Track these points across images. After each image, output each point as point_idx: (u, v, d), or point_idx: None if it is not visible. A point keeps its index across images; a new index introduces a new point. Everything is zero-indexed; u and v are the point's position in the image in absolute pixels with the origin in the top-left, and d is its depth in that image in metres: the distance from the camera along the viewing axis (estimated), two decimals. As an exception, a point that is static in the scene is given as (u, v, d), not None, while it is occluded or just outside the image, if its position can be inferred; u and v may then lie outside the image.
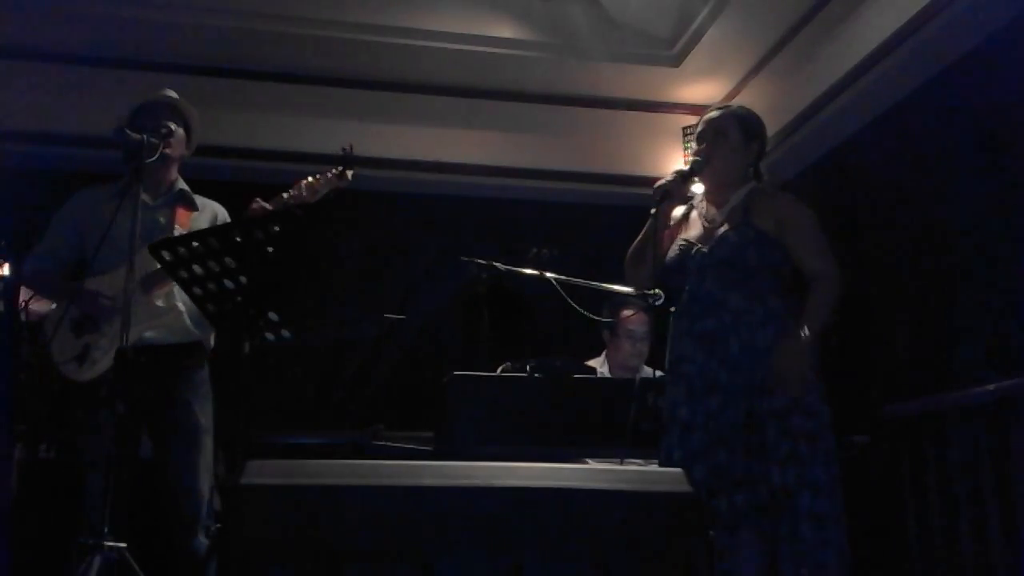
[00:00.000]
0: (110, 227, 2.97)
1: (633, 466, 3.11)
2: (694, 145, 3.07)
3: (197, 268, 2.54)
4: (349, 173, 3.34)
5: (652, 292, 3.06)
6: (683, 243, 2.96)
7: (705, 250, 2.88)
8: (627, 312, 4.05)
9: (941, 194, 4.19)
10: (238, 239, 2.51)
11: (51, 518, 3.56)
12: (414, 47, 4.96)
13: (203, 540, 3.08)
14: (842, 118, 4.71)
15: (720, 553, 2.70)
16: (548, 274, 3.43)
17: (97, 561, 2.55)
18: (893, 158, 4.53)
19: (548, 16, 5.03)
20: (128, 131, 3.02)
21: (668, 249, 3.00)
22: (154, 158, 3.03)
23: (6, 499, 3.47)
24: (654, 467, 2.92)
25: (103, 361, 3.05)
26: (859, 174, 4.81)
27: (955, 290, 4.04)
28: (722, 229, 2.90)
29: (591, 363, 4.12)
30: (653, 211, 2.92)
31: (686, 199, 3.04)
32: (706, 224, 2.97)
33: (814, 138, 4.94)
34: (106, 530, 2.59)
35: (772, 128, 4.70)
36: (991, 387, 3.55)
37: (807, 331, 2.75)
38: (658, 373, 3.70)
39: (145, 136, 3.01)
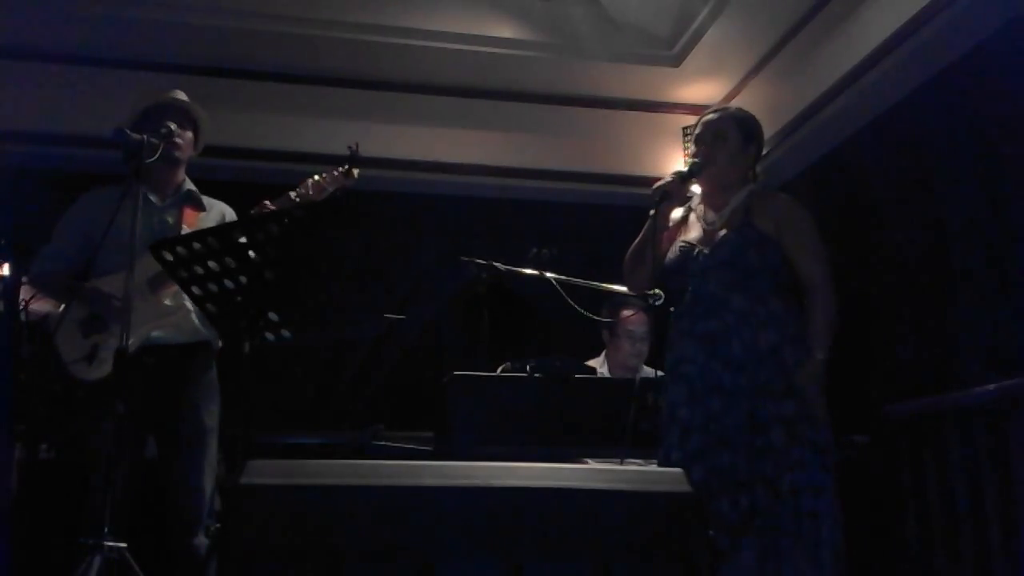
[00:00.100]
0: (109, 227, 2.97)
1: (633, 466, 3.11)
2: (692, 147, 3.08)
3: (197, 268, 2.54)
4: (355, 172, 3.38)
5: (652, 292, 3.06)
6: (683, 245, 2.96)
7: (706, 252, 2.89)
8: (627, 312, 4.05)
9: (941, 194, 4.19)
10: (238, 239, 2.51)
11: (51, 518, 3.56)
12: (414, 47, 4.96)
13: (203, 540, 3.08)
14: (842, 118, 4.71)
15: (721, 554, 2.70)
16: (548, 274, 3.43)
17: (97, 561, 2.55)
18: (893, 158, 4.52)
19: (548, 16, 5.04)
20: (128, 131, 3.02)
21: (666, 251, 3.00)
22: (154, 158, 3.02)
23: (6, 499, 3.47)
24: (654, 467, 2.92)
25: (111, 361, 3.05)
26: (859, 174, 4.81)
27: (955, 290, 4.04)
28: (723, 231, 2.91)
29: (591, 363, 4.12)
30: (652, 212, 2.92)
31: (685, 200, 3.05)
32: (706, 226, 2.97)
33: (814, 138, 4.94)
34: (106, 530, 2.59)
35: (772, 128, 4.74)
36: (991, 387, 3.55)
37: (819, 352, 2.78)
38: (658, 373, 3.71)
39: (145, 136, 3.01)
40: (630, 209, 3.14)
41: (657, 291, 3.05)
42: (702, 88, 5.30)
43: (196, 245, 2.51)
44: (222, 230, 2.55)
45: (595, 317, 3.48)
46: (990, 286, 3.84)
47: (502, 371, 3.39)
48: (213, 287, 2.57)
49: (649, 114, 5.51)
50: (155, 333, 3.17)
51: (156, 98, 3.35)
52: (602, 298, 3.72)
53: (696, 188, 3.10)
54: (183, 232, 3.17)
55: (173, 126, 3.16)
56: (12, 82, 4.78)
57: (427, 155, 5.32)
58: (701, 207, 3.04)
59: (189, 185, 3.41)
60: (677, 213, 3.08)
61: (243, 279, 2.54)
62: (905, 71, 4.26)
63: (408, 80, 5.19)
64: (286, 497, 1.85)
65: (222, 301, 2.59)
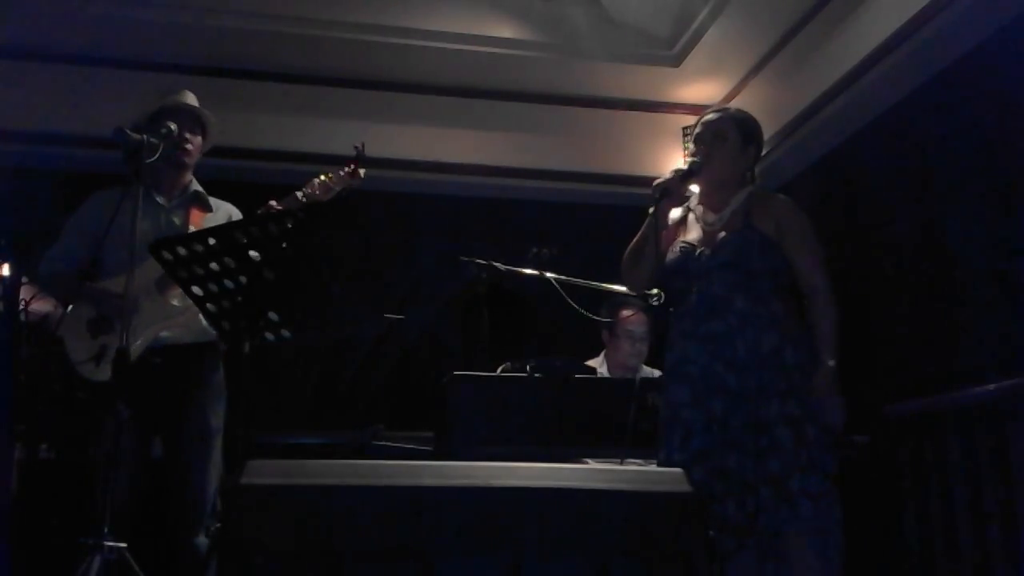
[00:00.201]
0: (110, 226, 2.98)
1: (633, 466, 3.11)
2: (692, 146, 3.08)
3: (197, 268, 2.54)
4: (362, 171, 3.39)
5: (652, 292, 3.06)
6: (684, 245, 2.96)
7: (708, 253, 2.88)
8: (626, 312, 4.05)
9: (941, 194, 4.19)
10: (238, 239, 2.51)
11: (51, 518, 3.56)
12: (414, 47, 4.96)
13: (204, 540, 3.09)
14: (842, 118, 4.71)
15: (726, 555, 2.70)
16: (548, 274, 3.43)
17: (97, 561, 2.55)
18: (893, 158, 4.52)
19: (548, 16, 5.04)
20: (128, 131, 3.02)
21: (665, 250, 3.00)
22: (154, 158, 3.03)
23: (6, 499, 3.47)
24: (654, 467, 2.92)
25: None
26: (859, 174, 4.81)
27: (955, 290, 4.04)
28: (723, 232, 2.91)
29: (591, 363, 4.12)
30: (652, 210, 2.92)
31: (684, 199, 3.04)
32: (705, 227, 2.97)
33: (814, 138, 4.94)
34: (106, 530, 2.59)
35: (772, 128, 4.74)
36: (991, 387, 3.55)
37: (829, 358, 2.80)
38: (656, 373, 3.71)
39: (145, 136, 3.01)
40: (630, 209, 3.14)
41: (657, 291, 3.05)
42: (702, 88, 5.30)
43: (196, 245, 2.51)
44: (222, 230, 2.55)
45: (595, 317, 3.48)
46: (990, 286, 3.84)
47: (502, 371, 3.39)
48: (213, 287, 2.57)
49: (649, 114, 5.51)
50: (163, 333, 3.18)
51: (167, 101, 3.36)
52: (602, 298, 3.71)
53: (695, 188, 3.10)
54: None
55: (173, 126, 3.16)
56: (12, 82, 4.78)
57: (427, 155, 5.32)
58: (700, 207, 3.03)
59: (196, 186, 3.44)
60: (676, 213, 3.07)
61: (243, 279, 2.54)
62: (905, 71, 4.26)
63: (408, 80, 5.19)
64: (286, 497, 1.85)
65: (222, 301, 2.59)
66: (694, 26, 4.89)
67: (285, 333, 2.64)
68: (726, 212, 2.95)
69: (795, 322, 2.86)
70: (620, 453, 3.11)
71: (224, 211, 3.42)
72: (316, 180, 3.36)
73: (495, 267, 3.47)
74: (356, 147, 3.41)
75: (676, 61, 5.14)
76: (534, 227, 5.20)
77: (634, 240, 3.02)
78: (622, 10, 5.02)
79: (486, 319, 3.52)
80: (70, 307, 3.23)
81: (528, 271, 3.48)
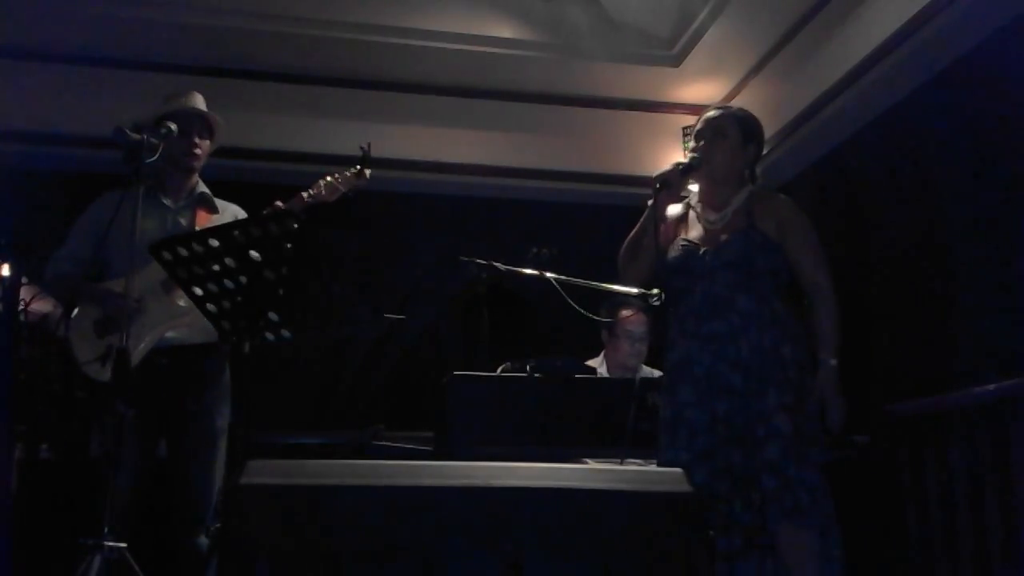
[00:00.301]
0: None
1: (633, 466, 3.11)
2: (692, 143, 3.07)
3: (197, 268, 2.54)
4: (367, 172, 3.41)
5: (652, 292, 3.05)
6: (686, 243, 2.95)
7: (712, 252, 2.88)
8: (626, 312, 4.05)
9: (941, 194, 4.19)
10: (238, 239, 2.51)
11: (51, 518, 3.56)
12: (414, 47, 4.96)
13: (206, 540, 3.09)
14: (842, 118, 4.71)
15: (734, 555, 2.70)
16: (548, 274, 3.42)
17: (97, 561, 2.55)
18: (893, 158, 4.52)
19: (548, 16, 5.03)
20: (128, 131, 3.02)
21: (664, 247, 2.99)
22: (154, 158, 3.03)
23: (6, 499, 3.47)
24: (654, 467, 2.92)
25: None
26: (859, 174, 4.81)
27: (955, 290, 4.04)
28: (726, 231, 2.90)
29: (591, 363, 4.12)
30: (650, 202, 2.91)
31: (681, 196, 3.04)
32: (707, 225, 2.97)
33: (814, 138, 4.94)
34: (106, 530, 2.59)
35: (772, 128, 4.74)
36: (991, 387, 3.55)
37: (832, 358, 2.81)
38: (655, 373, 3.71)
39: (145, 136, 3.01)
40: (630, 209, 3.14)
41: (657, 291, 3.05)
42: (702, 88, 5.30)
43: (196, 246, 2.51)
44: (222, 230, 2.55)
45: (595, 317, 3.48)
46: (990, 286, 3.84)
47: (502, 371, 3.39)
48: (213, 287, 2.57)
49: (649, 114, 5.51)
50: (169, 334, 3.19)
51: (176, 104, 3.38)
52: (602, 298, 3.71)
53: (694, 188, 3.10)
54: None
55: (173, 126, 3.16)
56: (12, 82, 4.78)
57: (427, 155, 5.32)
58: (700, 205, 3.03)
59: (202, 188, 3.46)
60: (676, 210, 3.06)
61: (243, 279, 2.54)
62: (905, 71, 4.26)
63: (408, 80, 5.19)
64: (286, 497, 1.85)
65: (222, 301, 2.59)
66: (694, 26, 4.89)
67: (285, 333, 2.64)
68: (728, 211, 2.95)
69: (795, 321, 2.87)
70: (620, 453, 3.11)
71: (230, 212, 3.43)
72: (322, 181, 3.38)
73: (495, 267, 3.47)
74: (362, 148, 3.43)
75: (676, 61, 5.14)
76: (534, 227, 5.20)
77: (632, 233, 3.02)
78: (622, 10, 5.02)
79: (486, 319, 3.52)
80: (77, 308, 3.25)
81: (528, 271, 3.48)
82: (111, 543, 2.59)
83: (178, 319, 3.16)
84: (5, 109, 4.76)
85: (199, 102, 3.43)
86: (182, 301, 3.13)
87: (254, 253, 2.49)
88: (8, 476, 3.54)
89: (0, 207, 4.35)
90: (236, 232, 2.49)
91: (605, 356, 4.24)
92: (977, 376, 3.73)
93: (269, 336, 2.65)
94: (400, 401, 5.09)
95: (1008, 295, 3.73)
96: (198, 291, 2.58)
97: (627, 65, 5.16)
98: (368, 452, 3.92)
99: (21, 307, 3.72)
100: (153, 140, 3.04)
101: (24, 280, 3.73)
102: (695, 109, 5.08)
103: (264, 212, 3.18)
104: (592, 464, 3.25)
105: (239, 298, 2.55)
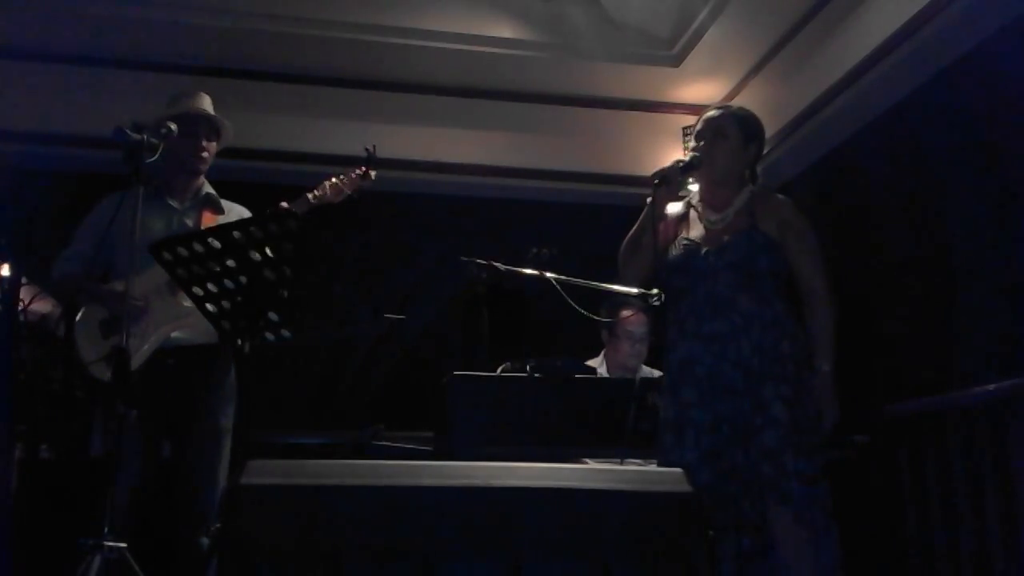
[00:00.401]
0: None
1: (633, 466, 3.10)
2: (693, 143, 3.07)
3: (197, 268, 2.54)
4: (373, 173, 3.42)
5: (652, 292, 3.05)
6: (687, 242, 2.95)
7: (714, 252, 2.88)
8: (626, 312, 4.05)
9: (941, 194, 4.19)
10: (238, 239, 2.51)
11: (51, 518, 3.56)
12: (414, 47, 4.96)
13: (207, 540, 3.09)
14: (842, 118, 4.71)
15: (750, 557, 2.70)
16: (548, 274, 3.42)
17: (97, 561, 2.55)
18: (893, 158, 4.52)
19: (548, 16, 5.04)
20: (128, 131, 3.02)
21: (664, 245, 2.99)
22: (154, 157, 3.03)
23: (6, 499, 3.47)
24: (654, 467, 2.92)
25: (131, 361, 3.07)
26: (859, 174, 4.81)
27: (955, 290, 4.04)
28: (728, 232, 2.90)
29: (590, 363, 4.12)
30: (650, 199, 2.91)
31: (680, 195, 3.03)
32: (708, 225, 2.96)
33: (814, 138, 4.94)
34: (106, 530, 2.59)
35: (772, 128, 4.73)
36: (991, 387, 3.55)
37: (827, 364, 2.82)
38: (655, 373, 3.71)
39: (145, 136, 3.01)
40: (630, 209, 3.14)
41: (657, 291, 3.05)
42: (702, 88, 5.30)
43: (196, 245, 2.51)
44: (222, 230, 2.55)
45: (595, 317, 3.48)
46: (990, 286, 3.84)
47: (502, 371, 3.39)
48: (213, 287, 2.57)
49: (649, 114, 5.51)
50: (174, 334, 3.20)
51: (184, 106, 3.39)
52: (602, 298, 3.71)
53: (694, 188, 3.09)
54: None
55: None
56: (12, 82, 4.78)
57: (427, 155, 5.32)
58: (701, 204, 3.03)
59: (208, 188, 3.48)
60: (676, 208, 3.06)
61: (243, 279, 2.54)
62: (905, 71, 4.26)
63: (408, 80, 5.19)
64: (286, 497, 1.85)
65: (222, 301, 2.59)
66: (694, 26, 4.89)
67: (285, 333, 2.64)
68: (730, 212, 2.94)
69: (794, 321, 2.87)
70: (620, 453, 3.11)
71: (236, 213, 3.44)
72: (327, 182, 3.39)
73: (495, 267, 3.47)
74: (367, 150, 3.45)
75: (676, 61, 5.14)
76: (534, 227, 5.20)
77: (632, 231, 3.01)
78: (622, 10, 5.02)
79: (486, 319, 3.52)
80: (82, 308, 3.25)
81: (528, 271, 3.48)
82: (111, 543, 2.59)
83: (183, 319, 3.17)
84: (5, 109, 4.76)
85: (206, 104, 3.44)
86: (187, 301, 3.13)
87: (254, 253, 2.49)
88: (8, 476, 3.54)
89: (0, 207, 4.35)
90: (236, 232, 2.49)
91: (605, 356, 4.24)
92: (977, 376, 3.73)
93: (269, 336, 2.65)
94: (400, 401, 5.08)
95: (1008, 295, 3.73)
96: (198, 291, 2.58)
97: (627, 65, 5.16)
98: (368, 452, 3.92)
99: (21, 307, 3.72)
100: (153, 140, 3.03)
101: (24, 280, 3.73)
102: (695, 109, 5.08)
103: (266, 212, 3.18)
104: (592, 464, 3.25)
105: (239, 298, 2.55)
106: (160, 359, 3.17)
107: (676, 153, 5.35)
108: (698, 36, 4.90)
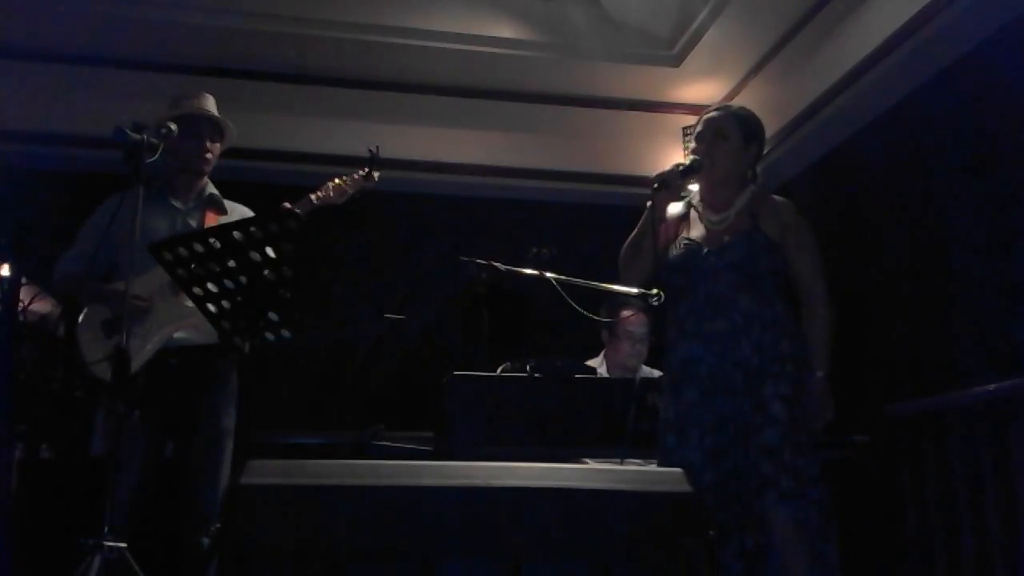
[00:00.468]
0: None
1: (633, 466, 3.10)
2: (693, 143, 3.07)
3: (197, 268, 2.54)
4: (376, 174, 3.42)
5: (652, 292, 3.05)
6: (688, 242, 2.95)
7: (715, 252, 2.88)
8: (626, 312, 4.05)
9: (941, 194, 4.19)
10: (238, 239, 2.51)
11: (51, 518, 3.56)
12: (414, 47, 4.96)
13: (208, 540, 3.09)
14: (842, 118, 4.71)
15: (758, 556, 2.70)
16: (548, 274, 3.42)
17: (97, 561, 2.55)
18: (893, 158, 4.52)
19: (548, 16, 5.04)
20: (128, 131, 3.02)
21: (664, 246, 2.99)
22: (154, 157, 3.03)
23: (6, 499, 3.47)
24: (654, 467, 2.92)
25: (135, 361, 3.08)
26: (859, 174, 4.81)
27: (955, 290, 4.04)
28: (730, 232, 2.90)
29: (590, 363, 4.12)
30: (649, 203, 2.91)
31: (680, 195, 3.03)
32: (710, 225, 2.96)
33: (814, 138, 4.94)
34: (106, 530, 2.59)
35: (772, 128, 4.73)
36: (991, 387, 3.55)
37: (821, 369, 2.82)
38: (655, 373, 3.71)
39: (145, 136, 3.01)
40: (630, 209, 3.14)
41: (657, 291, 3.05)
42: (702, 88, 5.30)
43: (196, 245, 2.51)
44: (222, 230, 2.55)
45: (595, 317, 3.48)
46: (990, 286, 3.84)
47: (502, 371, 3.39)
48: (213, 287, 2.57)
49: (649, 114, 5.51)
50: (178, 334, 3.20)
51: (188, 107, 3.39)
52: (602, 298, 3.71)
53: (693, 187, 3.09)
54: None
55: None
56: (12, 82, 4.78)
57: (427, 155, 5.32)
58: (701, 205, 3.03)
59: (211, 189, 3.49)
60: (677, 209, 3.06)
61: (243, 279, 2.54)
62: (905, 71, 4.26)
63: (408, 80, 5.19)
64: (286, 497, 1.85)
65: (222, 301, 2.60)
66: (694, 26, 4.89)
67: (285, 333, 2.64)
68: (731, 212, 2.94)
69: (794, 321, 2.88)
70: (620, 453, 3.11)
71: (239, 213, 3.45)
72: (330, 183, 3.40)
73: (495, 267, 3.47)
74: (371, 151, 3.46)
75: (676, 61, 5.14)
76: (534, 227, 5.20)
77: (632, 234, 3.02)
78: (622, 10, 5.02)
79: (486, 319, 3.52)
80: (86, 308, 3.25)
81: (528, 271, 3.48)
82: (111, 543, 2.59)
83: (186, 319, 3.17)
84: (5, 109, 4.76)
85: (210, 104, 3.45)
86: (190, 302, 3.14)
87: (254, 253, 2.49)
88: (8, 476, 3.54)
89: (0, 207, 4.35)
90: (236, 232, 2.49)
91: (605, 356, 4.24)
92: (977, 376, 3.73)
93: (269, 336, 2.65)
94: (400, 401, 5.08)
95: (1008, 295, 3.73)
96: (198, 291, 2.58)
97: (627, 65, 5.17)
98: (368, 452, 3.91)
99: (21, 307, 3.72)
100: (153, 140, 3.04)
101: (24, 280, 3.73)
102: (695, 109, 5.08)
103: (266, 212, 3.18)
104: (592, 464, 3.25)
105: (239, 298, 2.55)
106: (163, 359, 3.17)
107: (676, 153, 5.35)
108: (698, 36, 4.90)
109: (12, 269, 3.67)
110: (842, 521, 2.77)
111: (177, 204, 3.39)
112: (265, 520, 1.83)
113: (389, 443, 3.96)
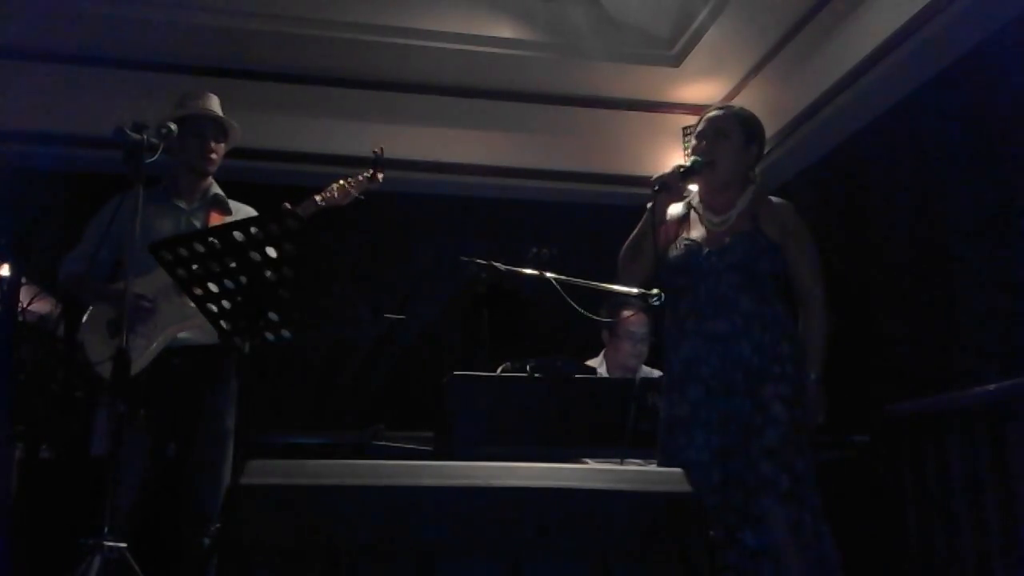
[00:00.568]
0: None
1: (633, 466, 3.10)
2: (694, 142, 3.07)
3: (197, 268, 2.53)
4: (380, 176, 3.43)
5: (652, 292, 3.05)
6: (689, 242, 2.95)
7: (716, 252, 2.88)
8: (627, 312, 4.05)
9: (941, 194, 4.19)
10: (238, 239, 2.50)
11: (51, 518, 3.56)
12: (414, 47, 4.96)
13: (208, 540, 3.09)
14: (842, 118, 4.71)
15: (753, 553, 2.70)
16: (548, 274, 3.42)
17: (97, 561, 2.55)
18: (893, 158, 4.52)
19: (548, 16, 5.04)
20: (128, 131, 3.02)
21: (664, 246, 2.99)
22: (154, 158, 3.03)
23: (6, 499, 3.47)
24: (654, 467, 2.92)
25: (138, 361, 3.08)
26: (859, 174, 4.81)
27: (955, 290, 4.04)
28: (731, 233, 2.90)
29: (590, 363, 4.12)
30: (650, 205, 2.91)
31: (681, 196, 3.03)
32: (710, 226, 2.96)
33: (814, 138, 4.94)
34: (106, 530, 2.59)
35: (772, 128, 4.73)
36: (991, 387, 3.55)
37: (815, 372, 2.83)
38: (656, 373, 3.71)
39: (145, 136, 3.01)
40: (630, 209, 3.14)
41: (657, 291, 3.05)
42: (702, 88, 5.30)
43: (196, 245, 2.51)
44: (222, 230, 2.55)
45: (595, 317, 3.48)
46: (990, 286, 3.84)
47: (502, 371, 3.39)
48: (213, 287, 2.57)
49: (649, 114, 5.51)
50: (181, 334, 3.21)
51: (192, 108, 3.40)
52: (602, 298, 3.71)
53: (693, 187, 3.09)
54: None
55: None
56: (12, 82, 4.78)
57: (427, 155, 5.32)
58: (701, 205, 3.03)
59: (216, 189, 3.50)
60: (677, 209, 3.06)
61: (243, 279, 2.54)
62: (905, 71, 4.26)
63: (408, 80, 5.19)
64: (286, 497, 1.85)
65: (222, 301, 2.59)
66: (694, 26, 4.89)
67: (285, 333, 2.64)
68: (732, 213, 2.94)
69: (794, 322, 2.89)
70: (620, 453, 3.11)
71: (243, 213, 3.46)
72: (335, 185, 3.41)
73: (495, 267, 3.47)
74: (375, 152, 3.47)
75: (676, 61, 5.14)
76: (534, 227, 5.20)
77: (632, 235, 3.02)
78: (622, 10, 5.02)
79: (486, 319, 3.52)
80: (91, 308, 3.26)
81: (528, 271, 3.48)
82: (111, 543, 2.59)
83: (189, 320, 3.17)
84: (5, 109, 4.76)
85: (214, 104, 3.45)
86: None
87: (254, 253, 2.49)
88: (8, 476, 3.54)
89: (0, 207, 4.35)
90: (237, 232, 2.49)
91: (605, 356, 4.24)
92: (977, 376, 3.73)
93: (269, 336, 2.65)
94: (400, 401, 5.09)
95: (1008, 295, 3.73)
96: (199, 291, 2.58)
97: (627, 65, 5.17)
98: (368, 452, 3.92)
99: (21, 307, 3.72)
100: (153, 140, 3.04)
101: (24, 280, 3.73)
102: (695, 109, 5.09)
103: (266, 212, 3.19)
104: (592, 464, 3.25)
105: (239, 298, 2.55)
106: (167, 359, 3.18)
107: (676, 153, 5.36)
108: (698, 36, 4.90)
109: (12, 269, 3.67)
110: (842, 521, 2.77)
111: (181, 204, 3.40)
112: (265, 520, 1.83)
113: (389, 443, 3.96)
